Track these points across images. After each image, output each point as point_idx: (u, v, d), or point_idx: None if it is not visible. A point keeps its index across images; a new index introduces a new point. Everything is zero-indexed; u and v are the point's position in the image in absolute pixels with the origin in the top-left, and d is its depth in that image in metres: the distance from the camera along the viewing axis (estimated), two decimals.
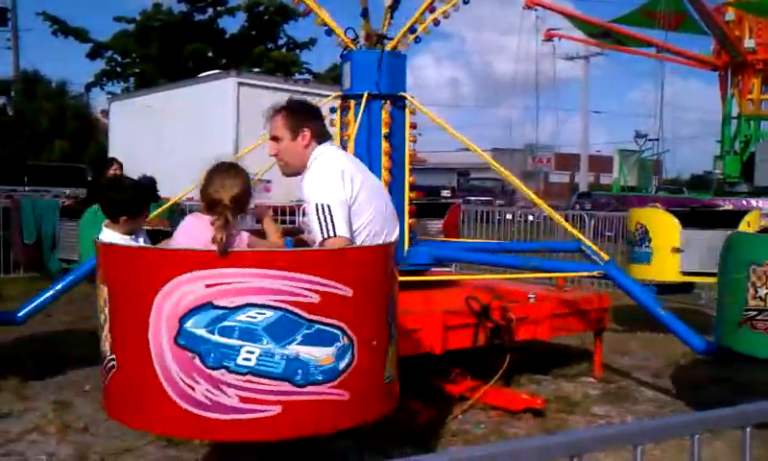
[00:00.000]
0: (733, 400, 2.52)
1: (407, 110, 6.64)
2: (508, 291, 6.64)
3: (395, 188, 6.37)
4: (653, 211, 9.12)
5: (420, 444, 4.95)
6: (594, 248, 6.82)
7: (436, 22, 6.73)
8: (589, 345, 7.12)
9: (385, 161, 6.38)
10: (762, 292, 4.72)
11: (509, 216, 17.14)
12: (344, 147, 6.45)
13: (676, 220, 8.34)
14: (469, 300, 5.86)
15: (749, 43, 24.23)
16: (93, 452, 4.69)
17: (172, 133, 17.56)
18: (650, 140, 30.05)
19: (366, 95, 6.34)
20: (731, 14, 24.44)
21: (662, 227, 8.42)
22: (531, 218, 16.44)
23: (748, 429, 1.90)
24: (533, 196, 8.03)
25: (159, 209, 6.67)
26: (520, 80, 72.68)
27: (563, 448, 1.64)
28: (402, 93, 6.59)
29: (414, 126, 6.75)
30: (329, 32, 6.69)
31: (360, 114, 6.34)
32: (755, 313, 4.80)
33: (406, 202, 6.56)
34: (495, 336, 5.83)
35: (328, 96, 7.05)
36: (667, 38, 27.00)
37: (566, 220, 10.15)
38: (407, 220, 6.59)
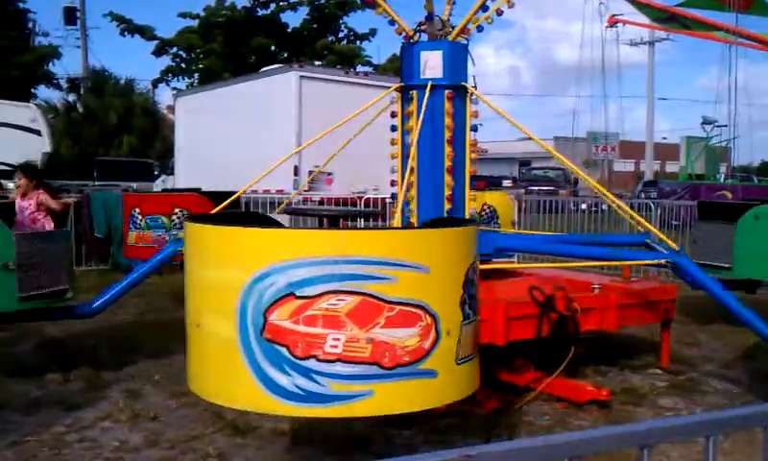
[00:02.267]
0: None
1: (468, 100, 6.61)
2: (572, 282, 6.56)
3: (456, 177, 6.37)
4: (498, 194, 10.76)
5: (482, 434, 4.95)
6: (662, 236, 6.68)
7: (499, 12, 6.67)
8: (656, 336, 6.98)
9: (448, 150, 6.37)
10: None
11: (572, 206, 16.89)
12: (406, 137, 6.47)
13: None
14: (533, 290, 5.81)
15: None
16: (164, 440, 4.82)
17: (236, 128, 17.82)
18: (718, 127, 29.22)
19: (429, 85, 6.33)
20: None
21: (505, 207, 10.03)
22: (595, 208, 16.18)
23: None
24: (594, 184, 7.92)
25: (227, 201, 6.77)
26: (584, 68, 71.64)
27: (632, 439, 1.62)
28: (463, 83, 6.56)
29: (474, 115, 6.72)
30: (392, 22, 6.70)
31: (424, 104, 6.33)
32: None
33: (467, 191, 6.53)
34: (560, 327, 5.77)
35: (389, 87, 7.06)
36: (738, 22, 26.23)
37: (632, 209, 9.96)
38: (467, 209, 6.57)
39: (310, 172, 15.20)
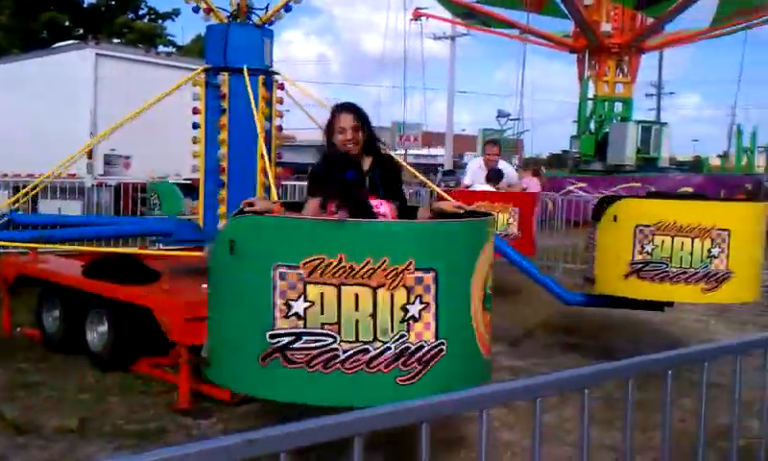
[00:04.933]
0: (583, 364, 2.66)
1: (274, 86, 6.57)
2: None
3: (238, 163, 6.35)
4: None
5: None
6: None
7: None
8: None
9: (222, 135, 6.29)
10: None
11: None
12: (215, 121, 6.31)
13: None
14: None
15: (605, 28, 25.36)
16: None
17: (25, 106, 16.60)
18: (512, 120, 31.10)
19: (245, 69, 6.23)
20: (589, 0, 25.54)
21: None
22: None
23: (586, 391, 2.02)
24: (414, 172, 8.23)
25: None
26: (389, 59, 73.40)
27: (415, 414, 1.69)
28: (273, 70, 6.53)
29: (280, 101, 6.69)
30: (196, 9, 6.50)
31: (228, 89, 6.23)
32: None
33: (271, 177, 6.48)
34: None
35: (194, 69, 6.87)
36: (530, 20, 27.95)
37: (431, 197, 10.38)
38: (273, 195, 6.53)
39: (106, 155, 14.51)
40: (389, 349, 3.03)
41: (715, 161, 36.30)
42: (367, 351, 3.02)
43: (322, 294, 3.00)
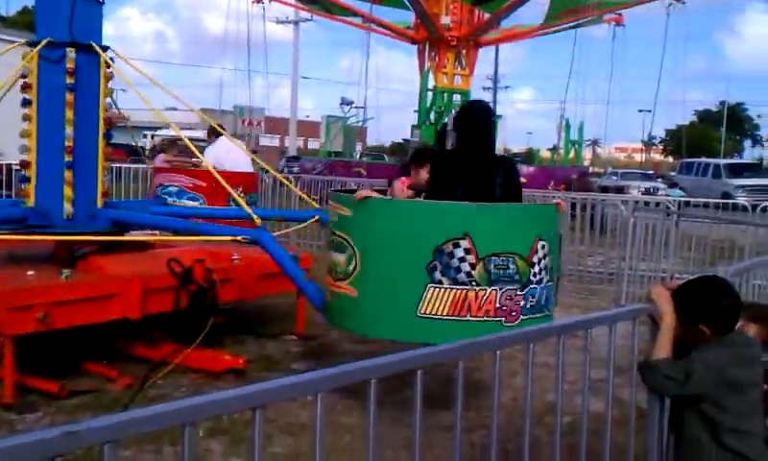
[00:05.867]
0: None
1: (102, 62, 6.24)
2: (213, 253, 6.57)
3: (82, 144, 6.00)
4: None
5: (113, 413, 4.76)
6: (248, 209, 6.59)
7: None
8: (294, 304, 7.27)
9: (68, 114, 5.93)
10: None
11: None
12: (53, 99, 5.91)
13: None
14: (171, 262, 5.72)
15: (445, 20, 26.04)
16: None
17: None
18: (355, 108, 31.34)
19: (46, 42, 5.85)
20: None
21: None
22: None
23: (419, 372, 2.06)
24: (255, 158, 8.05)
25: None
26: (231, 41, 71.94)
27: (247, 401, 1.66)
28: (96, 44, 6.18)
29: (109, 77, 6.36)
30: None
31: (34, 63, 5.85)
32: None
33: (100, 158, 6.18)
34: (198, 298, 5.76)
35: (15, 43, 6.43)
36: (372, 10, 28.26)
37: (273, 184, 10.26)
38: (100, 178, 6.23)
39: None
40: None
41: (546, 154, 38.23)
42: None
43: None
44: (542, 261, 4.46)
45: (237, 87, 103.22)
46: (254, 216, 6.26)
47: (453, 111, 26.94)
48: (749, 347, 2.75)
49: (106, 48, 6.21)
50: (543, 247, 4.47)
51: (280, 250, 6.14)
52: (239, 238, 5.92)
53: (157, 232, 7.40)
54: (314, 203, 7.12)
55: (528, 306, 4.39)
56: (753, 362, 2.71)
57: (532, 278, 4.40)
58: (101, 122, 6.15)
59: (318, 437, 1.83)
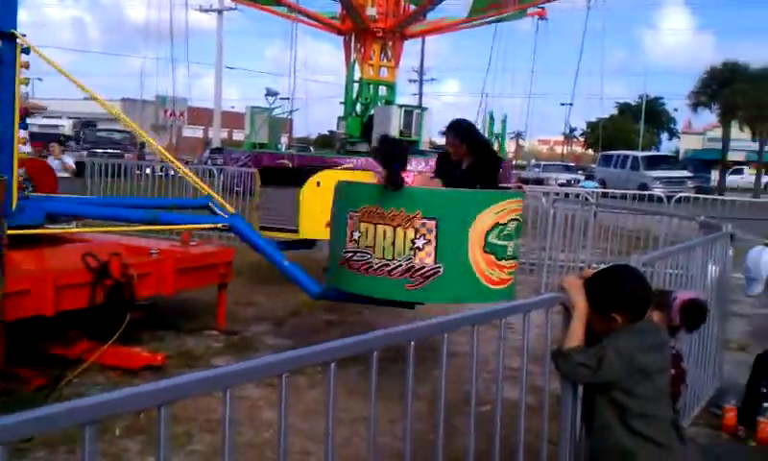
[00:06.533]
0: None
1: (18, 50, 6.03)
2: (130, 247, 6.42)
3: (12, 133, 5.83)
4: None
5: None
6: (221, 202, 6.86)
7: None
8: (215, 298, 7.17)
9: None
10: (356, 235, 5.07)
11: (138, 171, 16.63)
12: None
13: None
14: (86, 257, 5.56)
15: (370, 11, 26.01)
16: None
17: None
18: (281, 99, 31.00)
19: (17, 34, 5.66)
20: None
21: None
22: (163, 173, 16.12)
23: (332, 365, 2.05)
24: (161, 150, 7.87)
25: None
26: (152, 29, 70.30)
27: (152, 398, 1.61)
28: (12, 31, 5.97)
29: (25, 66, 6.15)
30: None
31: None
32: (351, 254, 5.10)
33: (15, 149, 5.98)
34: (115, 294, 5.61)
35: None
36: (299, 0, 28.04)
37: (197, 175, 10.08)
38: (16, 170, 6.03)
39: None
40: (401, 265, 4.89)
41: None
42: (388, 265, 4.93)
43: (366, 228, 5.02)
44: None
45: (160, 77, 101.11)
46: (226, 205, 6.38)
47: (378, 103, 26.99)
48: (657, 333, 2.83)
49: (14, 37, 5.99)
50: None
51: (257, 235, 6.16)
52: (219, 226, 6.06)
53: (76, 225, 7.27)
54: (207, 189, 7.04)
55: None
56: (661, 348, 2.78)
57: None
58: (16, 112, 5.95)
59: (227, 433, 1.79)
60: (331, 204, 5.52)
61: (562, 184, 29.97)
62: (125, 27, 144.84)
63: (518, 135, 69.61)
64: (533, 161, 56.60)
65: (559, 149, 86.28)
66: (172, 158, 8.01)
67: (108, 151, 30.06)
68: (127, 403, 1.57)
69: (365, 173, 8.17)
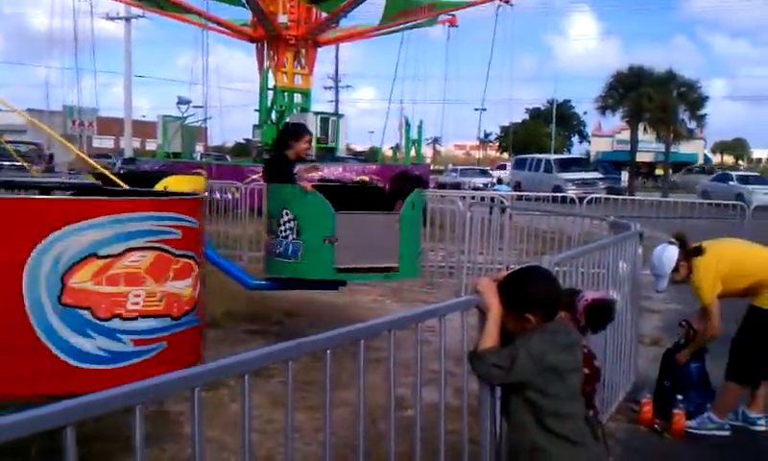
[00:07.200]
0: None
1: None
2: None
3: None
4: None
5: None
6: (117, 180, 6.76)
7: None
8: None
9: None
10: (280, 228, 6.26)
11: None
12: None
13: None
14: None
15: (282, 19, 25.83)
16: None
17: None
18: (195, 107, 30.49)
19: None
20: None
21: None
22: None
23: (246, 376, 2.01)
24: (82, 155, 7.77)
25: None
26: (57, 38, 68.19)
27: (61, 417, 1.56)
28: None
29: None
30: None
31: None
32: (273, 245, 6.38)
33: None
34: None
35: None
36: (208, 7, 27.65)
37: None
38: None
39: None
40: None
41: (388, 152, 38.85)
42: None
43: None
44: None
45: (66, 87, 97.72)
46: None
47: (294, 111, 26.87)
48: (569, 333, 2.89)
49: None
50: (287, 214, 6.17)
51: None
52: None
53: None
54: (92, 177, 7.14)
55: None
56: (573, 348, 2.84)
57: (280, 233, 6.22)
58: None
59: (139, 453, 1.74)
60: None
61: (477, 188, 30.40)
62: (28, 35, 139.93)
63: (435, 141, 70.43)
64: (450, 166, 57.30)
65: (475, 153, 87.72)
66: (95, 164, 7.80)
67: (16, 164, 28.95)
68: (31, 425, 1.50)
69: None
